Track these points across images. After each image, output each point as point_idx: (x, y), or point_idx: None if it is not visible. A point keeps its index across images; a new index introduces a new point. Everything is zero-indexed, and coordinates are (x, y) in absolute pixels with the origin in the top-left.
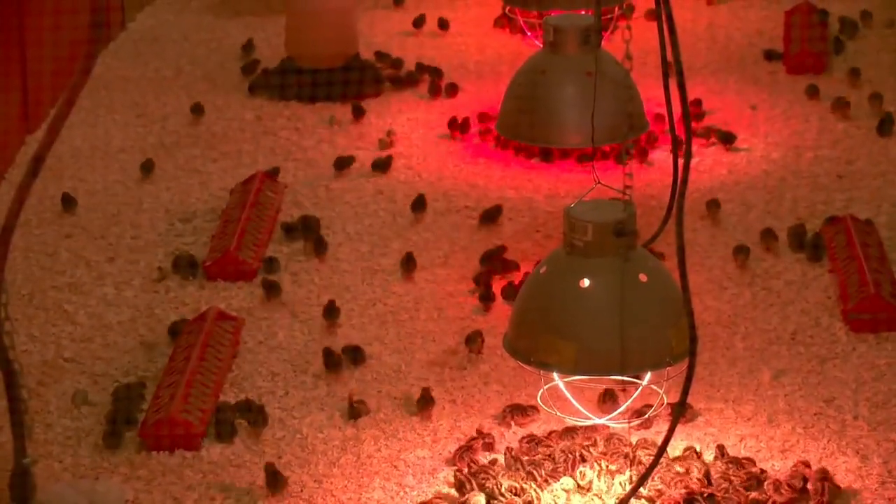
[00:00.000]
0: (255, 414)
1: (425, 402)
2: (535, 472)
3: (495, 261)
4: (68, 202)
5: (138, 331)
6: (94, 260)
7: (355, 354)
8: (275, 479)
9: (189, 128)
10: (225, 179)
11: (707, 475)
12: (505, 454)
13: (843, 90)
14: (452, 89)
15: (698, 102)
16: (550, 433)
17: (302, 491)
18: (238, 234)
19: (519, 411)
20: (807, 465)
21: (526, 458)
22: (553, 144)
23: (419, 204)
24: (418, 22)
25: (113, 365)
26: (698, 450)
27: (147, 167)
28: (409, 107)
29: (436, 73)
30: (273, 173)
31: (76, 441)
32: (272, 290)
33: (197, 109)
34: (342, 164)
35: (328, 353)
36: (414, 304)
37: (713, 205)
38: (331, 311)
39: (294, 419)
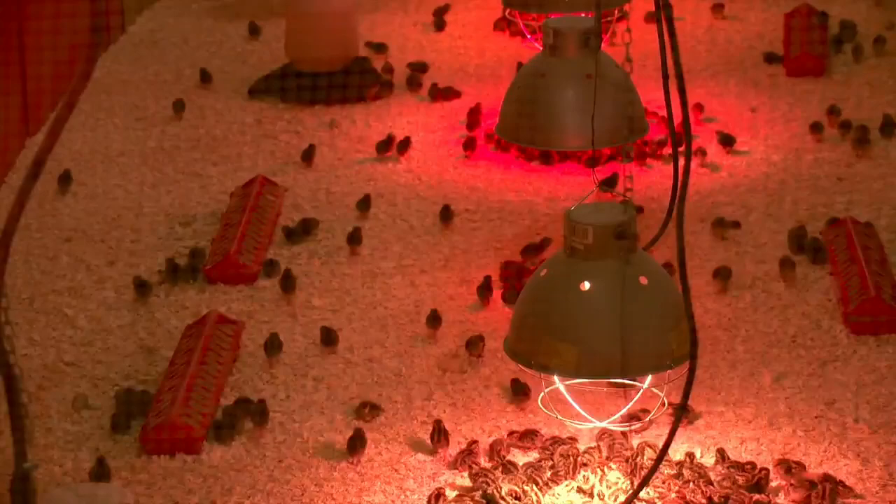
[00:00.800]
0: (256, 414)
1: (434, 321)
2: (535, 476)
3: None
4: (65, 180)
5: (138, 335)
6: (94, 264)
7: (328, 336)
8: (329, 337)
9: (190, 131)
10: (225, 183)
11: (708, 478)
12: (494, 457)
13: (842, 92)
14: (452, 92)
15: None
16: (551, 436)
17: (303, 494)
18: (238, 237)
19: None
20: (803, 467)
21: (524, 462)
22: (553, 147)
23: (471, 144)
24: (438, 12)
25: (113, 369)
26: (699, 453)
27: (178, 107)
28: (409, 110)
29: (424, 68)
30: (309, 154)
31: (76, 445)
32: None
33: (206, 76)
34: (383, 146)
35: (286, 275)
36: (415, 307)
37: (721, 223)
38: (271, 346)
39: (295, 423)
